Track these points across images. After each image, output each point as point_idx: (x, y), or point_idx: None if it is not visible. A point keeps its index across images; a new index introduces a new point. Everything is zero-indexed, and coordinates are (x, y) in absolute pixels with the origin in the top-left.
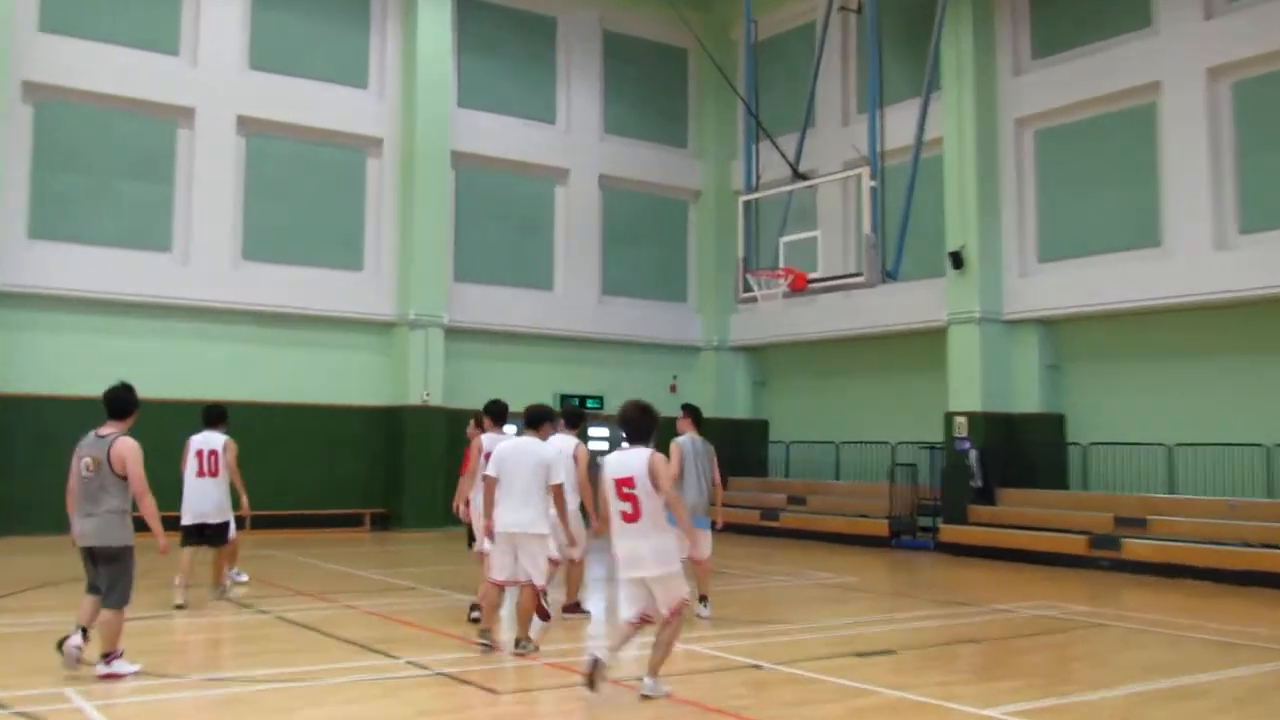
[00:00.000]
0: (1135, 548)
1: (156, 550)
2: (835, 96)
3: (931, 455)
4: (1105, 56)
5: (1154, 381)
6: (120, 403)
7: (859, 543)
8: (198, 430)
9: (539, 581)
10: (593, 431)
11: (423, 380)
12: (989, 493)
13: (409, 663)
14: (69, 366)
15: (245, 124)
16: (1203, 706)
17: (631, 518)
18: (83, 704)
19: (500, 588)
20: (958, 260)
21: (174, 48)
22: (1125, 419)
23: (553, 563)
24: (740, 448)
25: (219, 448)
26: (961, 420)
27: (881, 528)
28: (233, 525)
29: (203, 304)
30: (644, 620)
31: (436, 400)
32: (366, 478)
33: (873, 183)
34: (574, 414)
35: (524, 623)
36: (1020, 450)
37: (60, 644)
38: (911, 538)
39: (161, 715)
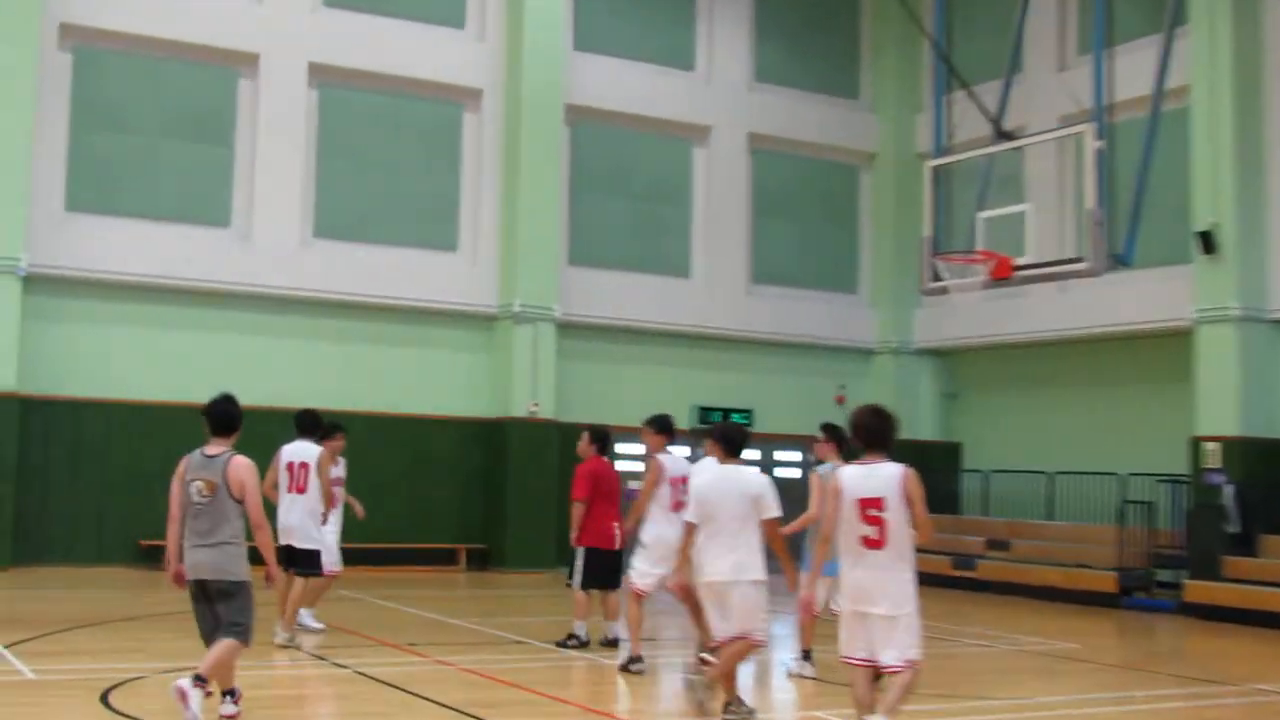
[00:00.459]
0: None
1: (264, 580)
2: (1049, 34)
3: (1173, 491)
4: None
5: None
6: (228, 418)
7: (1078, 600)
8: (287, 440)
9: (759, 636)
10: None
11: (530, 387)
12: (1249, 540)
13: None
14: (108, 364)
15: (318, 73)
16: None
17: (876, 544)
18: None
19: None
20: (1209, 242)
21: None
22: None
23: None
24: (925, 478)
25: (310, 460)
26: (1213, 447)
27: (1108, 582)
28: (328, 558)
29: (265, 290)
30: (868, 665)
31: (546, 412)
32: (461, 506)
33: (1098, 143)
34: (732, 435)
35: (730, 681)
36: None
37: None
38: (1146, 596)
39: None
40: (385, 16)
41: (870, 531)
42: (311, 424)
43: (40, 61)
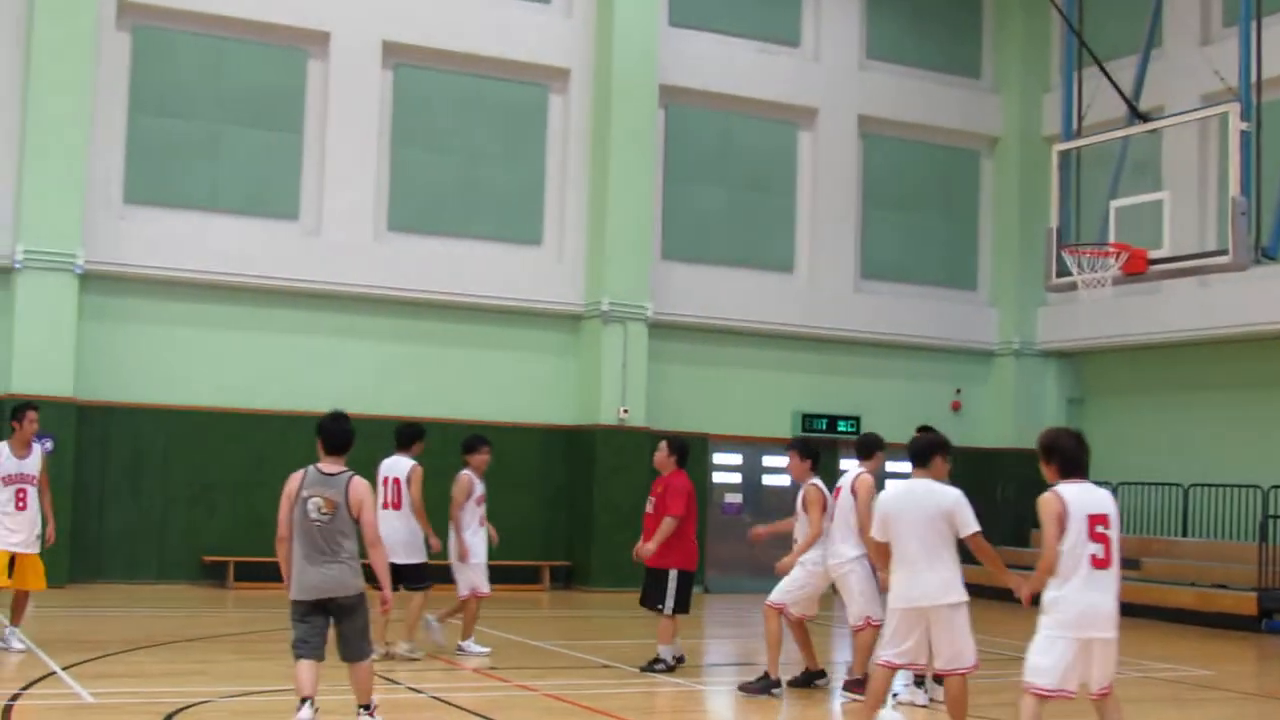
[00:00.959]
0: None
1: (379, 604)
2: (1191, 4)
3: None
4: None
5: None
6: (344, 436)
7: (1214, 623)
8: (388, 455)
9: (968, 664)
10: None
11: (618, 392)
12: None
13: None
14: (169, 368)
15: (393, 52)
16: None
17: (1104, 563)
18: None
19: (892, 671)
20: None
21: None
22: None
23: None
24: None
25: (403, 475)
26: None
27: (1247, 604)
28: (473, 577)
29: (335, 288)
30: (1062, 696)
31: (636, 419)
32: (545, 520)
33: (1244, 125)
34: (868, 444)
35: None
36: None
37: None
38: None
39: None
40: None
41: (1098, 550)
42: (408, 437)
43: (97, 42)
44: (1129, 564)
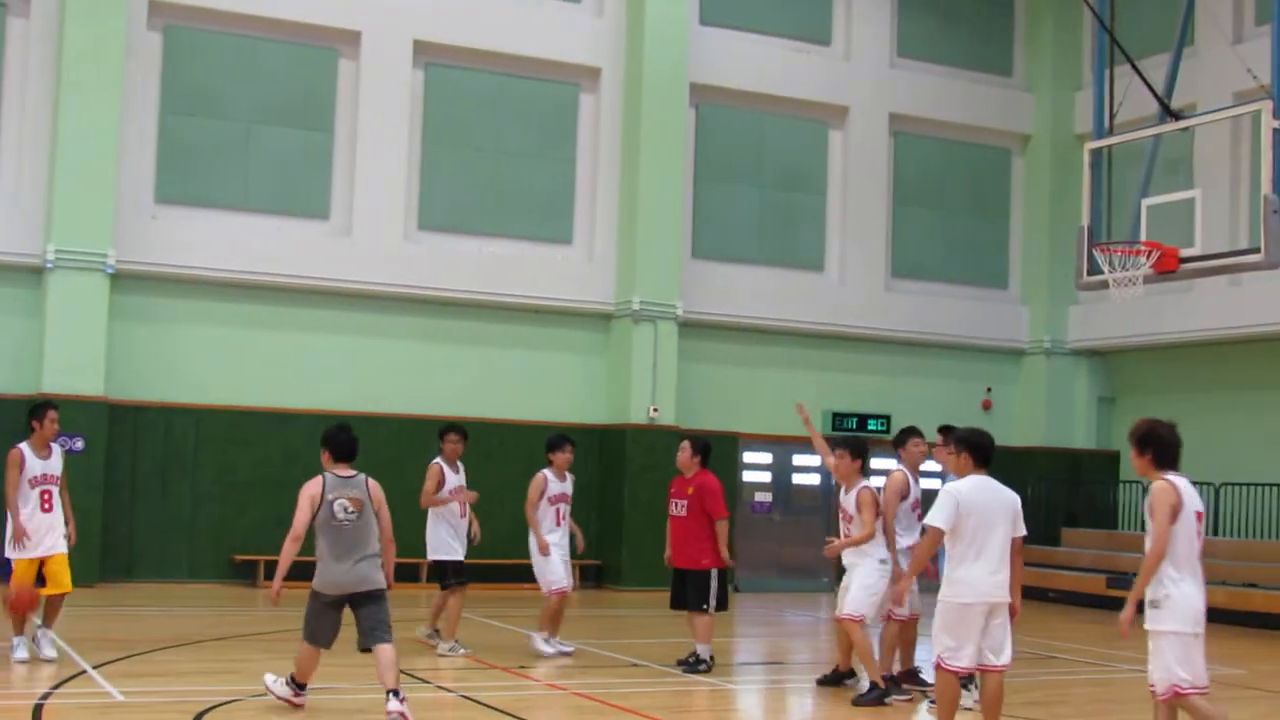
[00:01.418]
0: None
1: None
2: (1224, 2)
3: None
4: None
5: None
6: (353, 445)
7: (1247, 622)
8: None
9: (1010, 659)
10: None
11: (649, 391)
12: None
13: None
14: (200, 368)
15: (424, 52)
16: None
17: (1200, 557)
18: None
19: (956, 678)
20: None
21: None
22: None
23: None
24: (1079, 489)
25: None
26: None
27: (1278, 603)
28: (551, 576)
29: (366, 288)
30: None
31: (666, 418)
32: (575, 519)
33: (1276, 122)
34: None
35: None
36: None
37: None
38: None
39: None
40: None
41: (1199, 545)
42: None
43: (128, 42)
44: None
